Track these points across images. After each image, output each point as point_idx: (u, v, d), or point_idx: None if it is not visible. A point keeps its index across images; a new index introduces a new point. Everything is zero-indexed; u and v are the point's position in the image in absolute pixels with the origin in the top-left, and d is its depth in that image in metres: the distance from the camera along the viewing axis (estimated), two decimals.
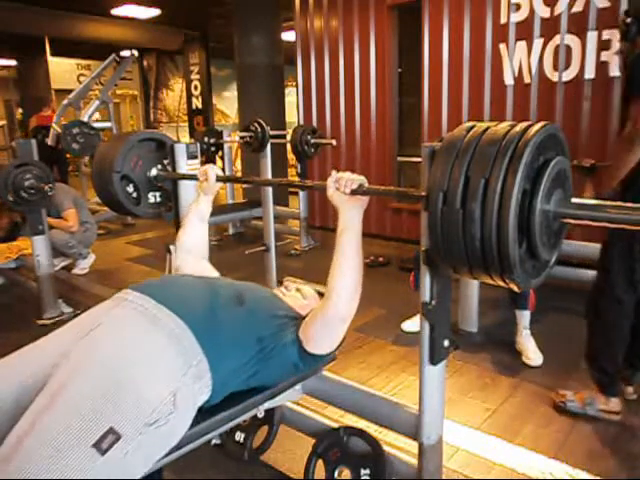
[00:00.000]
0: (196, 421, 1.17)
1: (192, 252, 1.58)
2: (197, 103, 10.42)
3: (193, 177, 1.66)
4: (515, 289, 0.97)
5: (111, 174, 1.71)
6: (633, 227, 0.88)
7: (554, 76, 3.75)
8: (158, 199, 1.86)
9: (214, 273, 1.58)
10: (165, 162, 1.82)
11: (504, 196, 0.86)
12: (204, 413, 1.19)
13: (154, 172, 1.81)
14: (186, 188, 1.95)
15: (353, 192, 1.17)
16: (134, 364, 1.06)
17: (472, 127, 0.97)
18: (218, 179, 1.56)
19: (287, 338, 1.27)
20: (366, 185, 1.18)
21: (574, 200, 0.96)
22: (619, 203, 0.88)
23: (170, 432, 1.07)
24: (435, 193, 0.93)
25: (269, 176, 3.54)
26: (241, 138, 4.17)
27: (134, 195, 1.80)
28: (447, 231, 0.92)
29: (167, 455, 1.12)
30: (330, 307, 1.21)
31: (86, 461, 0.91)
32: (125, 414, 0.98)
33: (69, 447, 0.91)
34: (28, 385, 1.07)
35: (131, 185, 1.78)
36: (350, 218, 1.19)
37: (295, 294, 1.50)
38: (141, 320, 1.15)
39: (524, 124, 0.92)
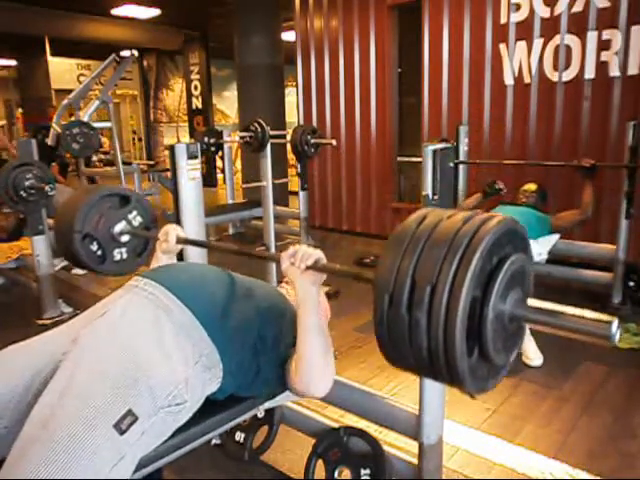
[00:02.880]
0: (196, 421, 1.17)
1: None
2: (197, 103, 10.41)
3: (153, 237, 1.60)
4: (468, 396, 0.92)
5: (72, 234, 1.61)
6: (591, 338, 0.82)
7: (554, 76, 3.75)
8: (124, 256, 1.76)
9: None
10: (130, 217, 1.74)
11: (451, 306, 0.78)
12: (204, 413, 1.19)
13: (118, 228, 1.71)
14: (186, 189, 1.95)
15: (308, 268, 1.14)
16: (149, 349, 1.08)
17: (423, 219, 0.90)
18: (178, 241, 1.52)
19: (282, 353, 1.27)
20: (323, 261, 1.14)
21: (530, 303, 0.89)
22: (579, 312, 0.83)
23: (180, 416, 1.10)
24: (380, 293, 0.86)
25: (269, 176, 3.54)
26: (241, 138, 4.17)
27: (98, 253, 1.70)
28: (394, 334, 0.85)
29: (167, 455, 1.12)
30: (304, 387, 1.20)
31: (107, 440, 0.94)
32: (142, 397, 1.01)
33: (93, 427, 0.93)
34: (39, 372, 1.09)
35: (95, 243, 1.69)
36: (306, 294, 1.16)
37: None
38: (151, 308, 1.16)
39: (478, 219, 0.84)
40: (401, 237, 0.88)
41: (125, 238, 1.74)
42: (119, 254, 1.75)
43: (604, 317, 0.80)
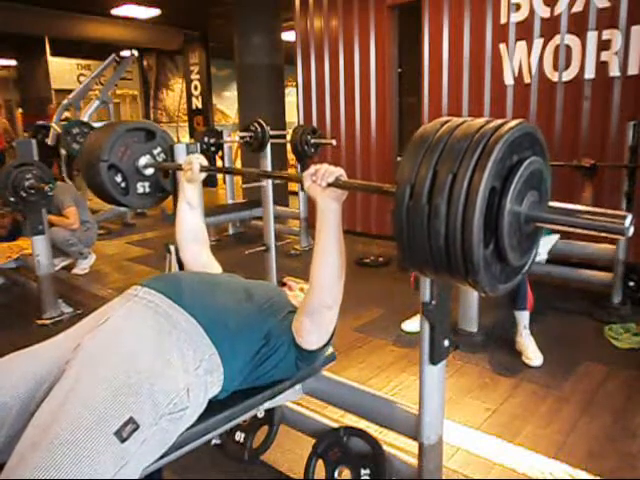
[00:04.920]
0: (196, 421, 1.17)
1: (196, 240, 1.61)
2: (197, 103, 10.42)
3: (178, 167, 1.67)
4: (481, 293, 0.93)
5: (98, 163, 1.68)
6: (608, 235, 0.85)
7: (554, 76, 3.75)
8: (147, 189, 1.83)
9: (217, 268, 1.60)
10: (155, 152, 1.80)
11: (471, 193, 0.81)
12: (204, 413, 1.19)
13: (143, 162, 1.78)
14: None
15: (329, 185, 1.17)
16: (151, 356, 1.08)
17: (447, 121, 0.93)
18: (202, 169, 1.57)
19: (288, 335, 1.29)
20: (343, 178, 1.18)
21: (551, 203, 0.92)
22: (594, 209, 0.86)
23: (182, 422, 1.10)
24: (402, 186, 0.89)
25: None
26: (241, 138, 4.17)
27: (122, 185, 1.76)
28: (412, 227, 0.88)
29: (167, 455, 1.12)
30: (314, 296, 1.23)
31: (108, 448, 0.94)
32: (143, 405, 1.01)
33: (93, 434, 0.93)
34: (42, 380, 1.09)
35: (119, 175, 1.75)
36: (326, 210, 1.19)
37: (298, 293, 1.53)
38: (152, 315, 1.17)
39: (500, 120, 0.89)
40: (425, 135, 0.91)
41: (149, 172, 1.81)
42: (142, 187, 1.82)
43: (618, 213, 0.83)
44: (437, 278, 0.96)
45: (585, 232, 0.87)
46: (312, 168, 1.19)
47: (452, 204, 0.82)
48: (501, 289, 0.93)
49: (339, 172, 1.16)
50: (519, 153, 0.88)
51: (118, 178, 1.75)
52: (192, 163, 1.55)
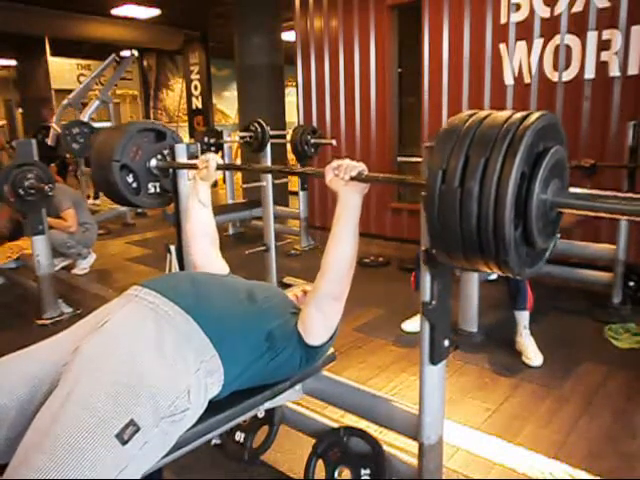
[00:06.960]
0: (196, 421, 1.17)
1: (206, 235, 1.62)
2: (197, 103, 10.42)
3: (192, 166, 1.68)
4: (509, 274, 0.96)
5: (110, 163, 1.70)
6: (630, 217, 0.89)
7: (554, 76, 3.75)
8: (158, 190, 1.86)
9: (225, 267, 1.61)
10: (165, 152, 1.83)
11: (503, 176, 0.86)
12: (205, 413, 1.19)
13: (154, 162, 1.81)
14: (186, 180, 1.96)
15: (352, 179, 1.20)
16: (151, 358, 1.08)
17: (474, 113, 0.98)
18: (218, 167, 1.59)
19: (293, 334, 1.30)
20: (365, 172, 1.21)
21: (571, 190, 0.97)
22: (616, 193, 0.89)
23: (182, 424, 1.10)
24: (434, 172, 0.93)
25: (269, 176, 3.55)
26: (241, 138, 4.18)
27: (134, 185, 1.79)
28: (444, 210, 0.92)
29: (167, 455, 1.12)
30: (324, 285, 1.25)
31: (109, 450, 0.94)
32: (144, 407, 1.00)
33: (95, 436, 0.93)
34: (41, 382, 1.09)
35: (131, 175, 1.78)
36: (348, 202, 1.22)
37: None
38: (152, 316, 1.16)
39: (525, 112, 0.93)
40: (454, 126, 0.96)
41: (159, 173, 1.84)
42: (153, 187, 1.86)
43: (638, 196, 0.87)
44: (466, 263, 0.99)
45: (610, 216, 0.91)
46: (334, 162, 1.23)
47: (485, 186, 0.87)
48: (527, 272, 0.97)
49: (361, 167, 1.20)
50: (545, 142, 0.93)
51: (129, 178, 1.78)
52: (209, 161, 1.58)
